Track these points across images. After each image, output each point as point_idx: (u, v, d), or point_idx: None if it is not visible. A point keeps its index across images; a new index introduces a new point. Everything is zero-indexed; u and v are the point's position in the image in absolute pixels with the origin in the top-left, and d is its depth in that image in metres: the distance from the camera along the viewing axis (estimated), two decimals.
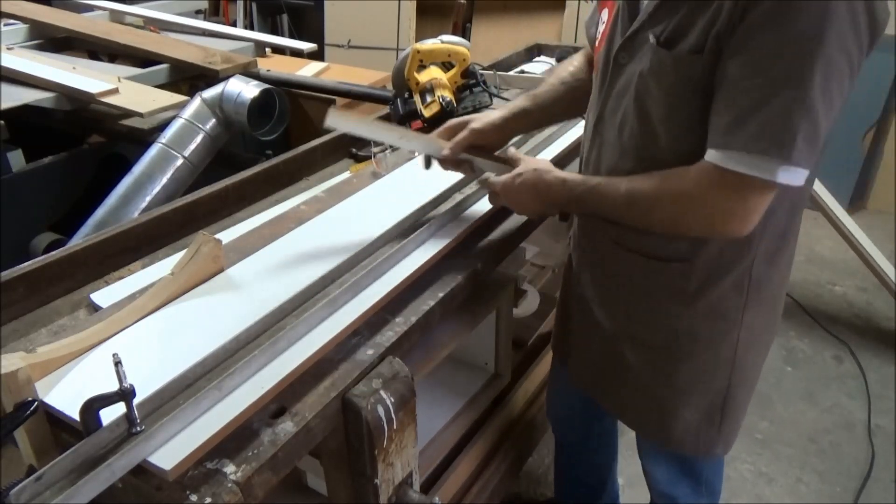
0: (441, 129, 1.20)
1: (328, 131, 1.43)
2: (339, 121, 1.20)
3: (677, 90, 0.88)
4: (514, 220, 1.29)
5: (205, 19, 3.72)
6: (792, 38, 0.76)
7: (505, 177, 1.09)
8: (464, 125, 1.17)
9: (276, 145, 2.12)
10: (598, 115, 1.03)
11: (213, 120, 1.95)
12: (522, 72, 2.16)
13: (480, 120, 1.17)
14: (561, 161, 1.50)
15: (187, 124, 1.92)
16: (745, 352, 1.08)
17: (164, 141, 1.88)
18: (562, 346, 1.33)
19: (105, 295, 1.06)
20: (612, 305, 1.13)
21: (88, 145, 2.26)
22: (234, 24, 4.39)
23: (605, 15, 1.05)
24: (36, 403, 0.78)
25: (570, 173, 1.05)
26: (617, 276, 1.09)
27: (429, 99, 1.61)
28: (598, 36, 1.06)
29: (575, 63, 1.24)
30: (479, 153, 1.17)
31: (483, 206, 1.27)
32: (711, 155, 0.85)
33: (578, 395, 1.31)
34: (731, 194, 0.86)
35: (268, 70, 2.41)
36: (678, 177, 0.90)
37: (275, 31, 4.65)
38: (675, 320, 1.06)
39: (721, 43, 0.82)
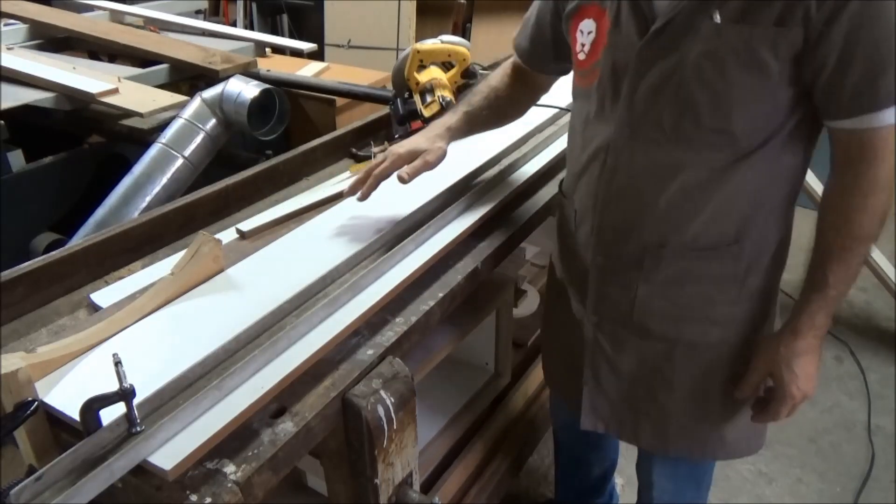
0: (394, 157, 1.16)
1: (328, 131, 1.43)
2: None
3: (761, 66, 0.86)
4: (514, 220, 1.29)
5: (205, 19, 3.72)
6: None
7: (780, 396, 1.02)
8: (415, 154, 1.15)
9: (276, 145, 2.12)
10: (621, 118, 0.97)
11: (213, 120, 1.95)
12: None
13: (434, 153, 1.16)
14: (561, 161, 1.49)
15: (187, 124, 1.92)
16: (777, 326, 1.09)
17: (164, 141, 1.88)
18: (566, 385, 1.27)
19: (105, 295, 1.06)
20: (657, 316, 1.06)
21: (88, 145, 2.26)
22: (234, 24, 4.39)
23: (587, 25, 1.01)
24: (36, 403, 0.78)
25: (795, 325, 1.00)
26: (663, 280, 1.03)
27: (429, 99, 1.61)
28: (583, 47, 1.02)
29: (506, 72, 1.25)
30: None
31: (483, 206, 1.27)
32: (870, 119, 0.86)
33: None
34: None
35: (268, 70, 2.41)
36: (864, 176, 0.89)
37: (275, 31, 4.65)
38: (731, 307, 1.04)
39: (814, 17, 0.81)
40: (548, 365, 1.40)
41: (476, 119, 1.22)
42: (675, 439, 1.16)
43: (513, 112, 1.29)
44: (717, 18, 0.85)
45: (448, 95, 1.61)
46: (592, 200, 1.06)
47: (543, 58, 1.19)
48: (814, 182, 2.31)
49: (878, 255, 2.49)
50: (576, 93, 1.11)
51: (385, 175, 1.15)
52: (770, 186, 0.97)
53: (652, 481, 1.31)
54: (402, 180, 1.13)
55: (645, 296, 1.05)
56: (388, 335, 0.97)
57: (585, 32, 1.02)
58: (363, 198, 1.15)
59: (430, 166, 1.16)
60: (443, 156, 1.18)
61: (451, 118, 1.21)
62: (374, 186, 1.15)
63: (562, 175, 1.28)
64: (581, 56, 1.04)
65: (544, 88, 1.28)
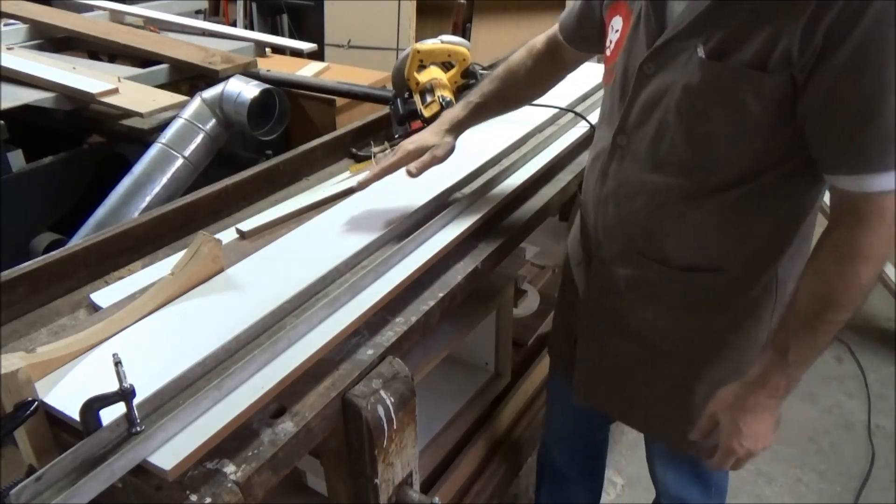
0: (403, 152, 1.17)
1: (328, 131, 1.43)
2: None
3: (739, 107, 0.82)
4: (514, 220, 1.29)
5: (205, 19, 3.72)
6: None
7: (723, 442, 0.98)
8: (424, 150, 1.17)
9: (276, 145, 2.12)
10: (619, 125, 0.99)
11: (213, 120, 1.95)
12: None
13: (442, 147, 1.17)
14: (561, 161, 1.49)
15: (187, 124, 1.92)
16: None
17: (164, 141, 1.88)
18: (564, 358, 1.29)
19: (105, 295, 1.06)
20: (636, 319, 1.09)
21: (88, 145, 2.26)
22: (234, 24, 4.39)
23: (616, 22, 1.00)
24: (36, 403, 0.78)
25: (751, 380, 0.93)
26: (642, 287, 1.05)
27: (429, 99, 1.61)
28: (610, 44, 1.02)
29: (533, 51, 1.22)
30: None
31: (483, 205, 1.27)
32: (853, 182, 0.80)
33: (579, 413, 1.31)
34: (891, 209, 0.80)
35: (268, 70, 2.41)
36: (846, 241, 0.82)
37: (275, 31, 4.65)
38: (707, 330, 1.04)
39: (796, 63, 0.77)
40: (553, 343, 1.41)
41: (488, 107, 1.22)
42: (659, 427, 1.19)
43: (532, 92, 1.27)
44: (701, 53, 0.83)
45: (448, 95, 1.61)
46: (592, 197, 1.09)
47: (589, 36, 1.13)
48: None
49: None
50: (604, 87, 1.10)
51: (393, 169, 1.16)
52: (762, 223, 0.94)
53: (657, 476, 1.33)
54: (411, 174, 1.15)
55: (629, 296, 1.07)
56: (388, 335, 0.97)
57: (614, 30, 1.01)
58: (361, 188, 1.19)
59: (438, 160, 1.17)
60: (451, 150, 1.19)
61: (459, 111, 1.21)
62: (381, 178, 1.17)
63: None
64: (608, 52, 1.04)
65: (574, 66, 1.26)
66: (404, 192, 1.30)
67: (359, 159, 1.59)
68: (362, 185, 1.18)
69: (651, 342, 1.10)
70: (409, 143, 1.18)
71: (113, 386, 0.73)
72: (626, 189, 1.01)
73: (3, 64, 2.10)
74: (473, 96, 1.22)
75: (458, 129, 1.21)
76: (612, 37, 1.01)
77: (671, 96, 0.88)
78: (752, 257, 0.97)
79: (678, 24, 0.87)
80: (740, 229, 0.95)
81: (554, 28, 1.20)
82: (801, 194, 0.94)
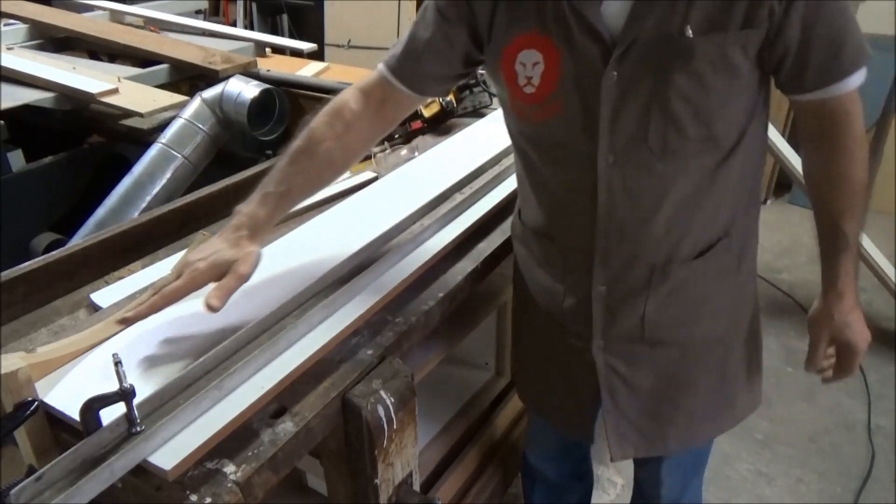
0: (192, 273, 0.92)
1: None
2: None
3: (734, 70, 0.86)
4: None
5: (205, 19, 3.72)
6: None
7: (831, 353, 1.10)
8: (220, 267, 0.92)
9: (276, 145, 2.12)
10: (607, 145, 0.92)
11: (213, 120, 1.95)
12: None
13: (246, 263, 0.93)
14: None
15: (187, 124, 1.92)
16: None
17: (164, 141, 1.88)
18: (572, 419, 1.19)
19: (105, 295, 1.06)
20: (667, 325, 1.04)
21: (88, 145, 2.26)
22: (234, 24, 4.39)
23: (528, 56, 0.91)
24: (36, 403, 0.78)
25: (835, 285, 1.04)
26: (669, 291, 1.01)
27: (429, 99, 1.61)
28: (530, 79, 0.92)
29: (343, 109, 1.03)
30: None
31: (483, 205, 1.27)
32: (838, 87, 0.89)
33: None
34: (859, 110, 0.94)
35: (268, 70, 2.41)
36: (845, 138, 0.94)
37: (275, 31, 4.65)
38: (732, 296, 1.07)
39: (777, 10, 0.83)
40: (544, 405, 1.28)
41: (292, 194, 1.01)
42: (701, 430, 1.16)
43: (349, 160, 1.07)
44: (690, 33, 0.83)
45: (448, 95, 1.61)
46: (587, 234, 0.99)
47: (444, 74, 1.04)
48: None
49: (878, 255, 2.49)
50: (526, 130, 1.00)
51: (179, 297, 0.92)
52: (747, 175, 1.00)
53: (661, 480, 1.29)
54: (213, 308, 0.89)
55: (653, 310, 1.03)
56: (388, 335, 0.97)
57: (529, 64, 0.92)
58: (135, 319, 0.90)
59: (243, 280, 0.93)
60: (257, 261, 0.95)
61: (255, 208, 0.98)
62: (161, 309, 0.91)
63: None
64: (529, 89, 0.93)
65: (408, 114, 1.14)
66: (404, 191, 1.30)
67: None
68: (130, 321, 0.91)
69: (683, 339, 1.07)
70: (198, 259, 0.93)
71: (113, 386, 0.73)
72: (641, 205, 0.95)
73: (3, 64, 2.10)
74: (270, 185, 0.99)
75: (259, 232, 0.97)
76: (531, 72, 0.92)
77: (666, 88, 0.87)
78: (745, 210, 1.03)
79: (638, 19, 0.85)
80: (738, 189, 0.99)
81: (371, 78, 1.04)
82: (762, 141, 1.01)
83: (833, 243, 1.01)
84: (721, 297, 1.06)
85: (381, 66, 1.04)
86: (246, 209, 0.98)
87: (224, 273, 0.92)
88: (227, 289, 0.91)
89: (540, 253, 1.11)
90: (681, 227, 0.97)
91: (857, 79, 0.89)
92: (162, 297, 0.90)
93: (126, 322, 0.91)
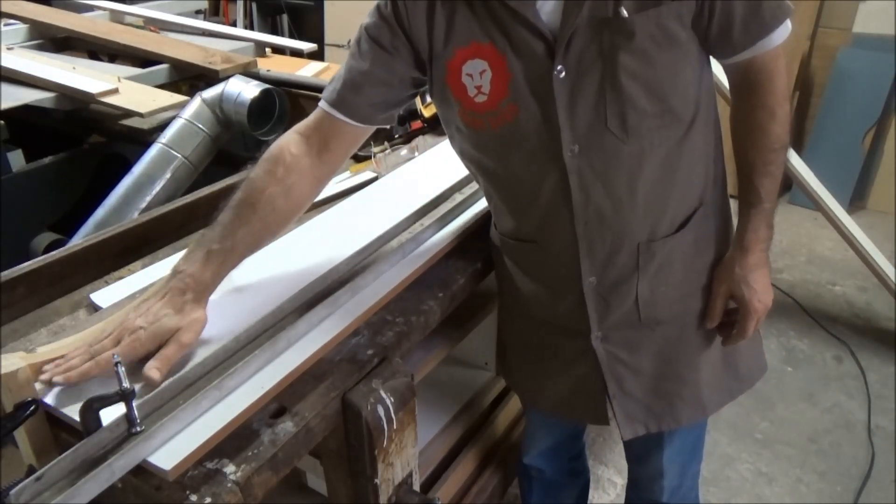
0: (132, 340, 0.86)
1: None
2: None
3: (674, 41, 0.89)
4: None
5: (205, 19, 3.72)
6: None
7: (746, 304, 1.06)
8: (161, 335, 0.87)
9: None
10: (568, 139, 0.92)
11: (213, 120, 1.95)
12: None
13: (190, 332, 0.89)
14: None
15: (187, 124, 1.92)
16: None
17: (164, 141, 1.88)
18: (599, 412, 1.16)
19: (105, 295, 1.06)
20: (660, 303, 1.06)
21: (88, 145, 2.25)
22: (234, 24, 4.39)
23: (474, 66, 0.92)
24: (36, 403, 0.78)
25: (742, 242, 1.04)
26: (656, 268, 1.03)
27: (428, 99, 1.61)
28: (479, 88, 0.93)
29: (285, 156, 0.99)
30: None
31: (483, 205, 1.27)
32: (765, 43, 0.92)
33: (556, 422, 1.31)
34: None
35: (268, 70, 2.41)
36: (768, 93, 0.96)
37: (275, 31, 4.65)
38: (718, 262, 1.08)
39: None
40: (544, 396, 1.26)
41: (237, 249, 0.95)
42: (709, 400, 1.17)
43: (296, 209, 1.02)
44: (625, 13, 0.86)
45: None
46: (567, 229, 1.00)
47: (393, 100, 1.02)
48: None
49: (878, 255, 2.49)
50: (484, 140, 0.99)
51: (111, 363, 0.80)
52: (709, 143, 1.03)
53: (663, 471, 1.28)
54: (152, 381, 0.83)
55: (645, 290, 1.05)
56: (388, 335, 0.97)
57: (477, 74, 0.92)
58: (64, 384, 0.84)
59: (185, 349, 0.89)
60: (201, 328, 0.91)
61: (198, 268, 0.92)
62: (94, 377, 0.84)
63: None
64: (480, 98, 0.93)
65: (354, 150, 1.09)
66: (404, 191, 1.30)
67: (359, 159, 1.59)
68: (57, 384, 0.84)
69: (678, 313, 1.08)
70: (139, 326, 0.87)
71: (113, 386, 0.73)
72: (616, 191, 0.97)
73: (3, 64, 2.10)
74: (214, 242, 0.93)
75: (204, 295, 0.93)
76: (480, 81, 0.93)
77: (613, 71, 0.89)
78: (713, 175, 1.05)
79: (574, 10, 0.86)
80: (706, 157, 1.03)
81: (311, 120, 1.02)
82: (715, 109, 1.03)
83: (746, 197, 1.03)
84: (707, 266, 1.08)
85: (321, 104, 1.01)
86: (190, 270, 0.92)
87: (164, 342, 0.87)
88: (167, 359, 0.86)
89: (525, 261, 1.11)
90: (658, 203, 0.99)
91: (781, 34, 0.92)
92: (97, 365, 0.84)
93: (49, 385, 0.84)
